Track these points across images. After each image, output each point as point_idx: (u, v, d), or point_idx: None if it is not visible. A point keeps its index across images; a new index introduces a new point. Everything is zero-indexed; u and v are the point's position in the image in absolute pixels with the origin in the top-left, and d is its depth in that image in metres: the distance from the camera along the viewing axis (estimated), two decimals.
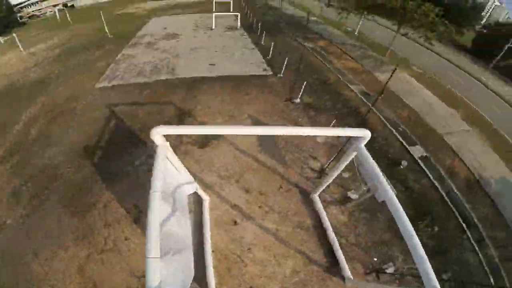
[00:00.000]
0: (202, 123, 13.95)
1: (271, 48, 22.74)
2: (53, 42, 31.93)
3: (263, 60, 22.44)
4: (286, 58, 19.33)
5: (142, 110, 15.49)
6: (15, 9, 61.54)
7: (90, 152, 12.48)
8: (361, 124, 13.76)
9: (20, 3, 63.66)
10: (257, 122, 13.89)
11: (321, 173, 10.74)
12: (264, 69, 20.61)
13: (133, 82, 19.13)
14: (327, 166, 10.89)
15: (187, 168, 10.51)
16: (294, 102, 15.88)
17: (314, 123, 14.06)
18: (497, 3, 52.38)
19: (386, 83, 9.48)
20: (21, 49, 28.40)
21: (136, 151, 12.23)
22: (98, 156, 12.31)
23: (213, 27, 32.54)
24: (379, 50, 28.61)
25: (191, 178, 7.84)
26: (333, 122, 12.45)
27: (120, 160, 11.79)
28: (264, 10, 40.51)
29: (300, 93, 16.04)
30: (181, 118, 14.62)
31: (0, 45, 32.48)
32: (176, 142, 12.63)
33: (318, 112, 15.24)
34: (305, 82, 16.03)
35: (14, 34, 30.27)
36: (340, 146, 10.53)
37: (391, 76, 11.09)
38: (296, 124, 13.87)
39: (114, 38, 30.29)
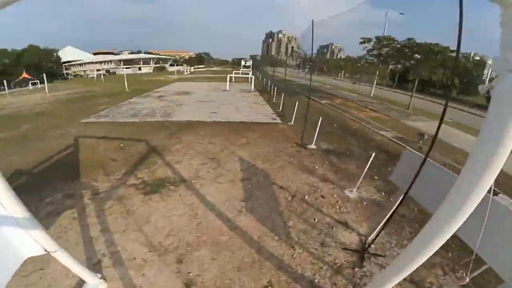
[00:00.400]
0: (171, 164, 8.72)
1: (282, 102, 18.62)
2: (76, 91, 32.86)
3: (273, 112, 18.08)
4: (296, 107, 14.77)
5: (108, 144, 10.89)
6: (64, 65, 65.29)
7: (14, 179, 7.62)
8: None
9: (69, 62, 67.71)
10: (249, 168, 8.48)
11: (363, 255, 4.75)
12: (273, 118, 16.01)
13: (121, 121, 15.22)
14: (372, 242, 4.94)
15: (102, 223, 4.98)
16: (308, 147, 10.60)
17: (338, 171, 8.45)
18: None
19: (441, 121, 4.70)
20: (47, 91, 30.74)
21: (59, 185, 7.06)
22: (18, 183, 7.41)
23: (227, 89, 29.82)
24: (399, 106, 25.31)
25: (25, 212, 2.45)
26: (367, 167, 6.76)
27: (30, 192, 6.64)
28: (280, 80, 38.60)
29: (315, 138, 10.90)
30: (148, 155, 9.56)
31: (37, 89, 36.92)
32: (120, 182, 7.31)
33: (342, 158, 9.76)
34: (320, 126, 10.90)
35: (45, 82, 33.11)
36: (392, 206, 4.71)
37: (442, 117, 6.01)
38: (312, 172, 8.33)
39: (130, 92, 28.43)
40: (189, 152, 9.96)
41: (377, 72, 31.28)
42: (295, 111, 14.73)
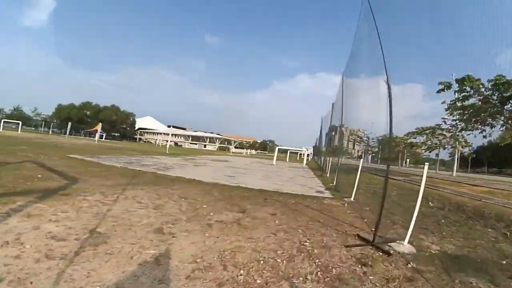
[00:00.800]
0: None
1: (337, 175, 11.65)
2: (122, 145, 32.57)
3: (322, 185, 11.25)
4: (359, 178, 8.05)
5: (35, 172, 7.27)
6: (139, 131, 71.14)
7: None
8: None
9: (144, 129, 73.58)
10: None
11: None
12: (318, 191, 9.13)
13: (103, 163, 11.19)
14: None
15: None
16: (393, 250, 3.47)
17: None
18: None
19: None
20: (96, 140, 32.75)
21: None
22: None
23: (273, 163, 24.18)
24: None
25: None
26: None
27: None
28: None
29: (410, 230, 3.82)
30: (30, 193, 4.03)
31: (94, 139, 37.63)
32: None
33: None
34: (405, 204, 3.90)
35: (97, 135, 35.44)
36: None
37: None
38: None
39: (167, 153, 25.49)
40: (89, 210, 4.00)
41: (459, 143, 22.55)
42: (356, 183, 7.80)
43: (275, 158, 25.06)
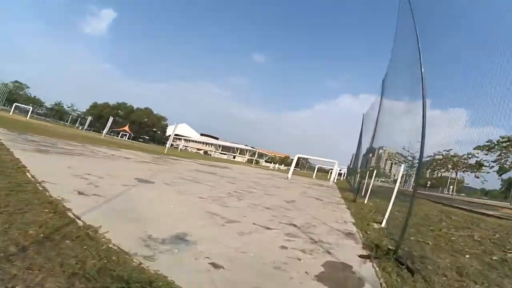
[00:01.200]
0: None
1: (390, 209, 4.72)
2: (130, 144, 29.80)
3: (353, 227, 4.40)
4: None
5: None
6: (176, 137, 69.68)
7: None
8: None
9: (177, 135, 70.97)
10: None
11: None
12: (340, 268, 2.45)
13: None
14: None
15: None
16: None
17: None
18: None
19: None
20: (102, 135, 30.60)
21: None
22: None
23: (288, 177, 17.32)
24: None
25: None
26: None
27: None
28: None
29: None
30: None
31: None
32: None
33: None
34: None
35: (105, 130, 31.96)
36: None
37: None
38: None
39: (163, 153, 21.82)
40: None
41: None
42: None
43: (291, 170, 18.25)
